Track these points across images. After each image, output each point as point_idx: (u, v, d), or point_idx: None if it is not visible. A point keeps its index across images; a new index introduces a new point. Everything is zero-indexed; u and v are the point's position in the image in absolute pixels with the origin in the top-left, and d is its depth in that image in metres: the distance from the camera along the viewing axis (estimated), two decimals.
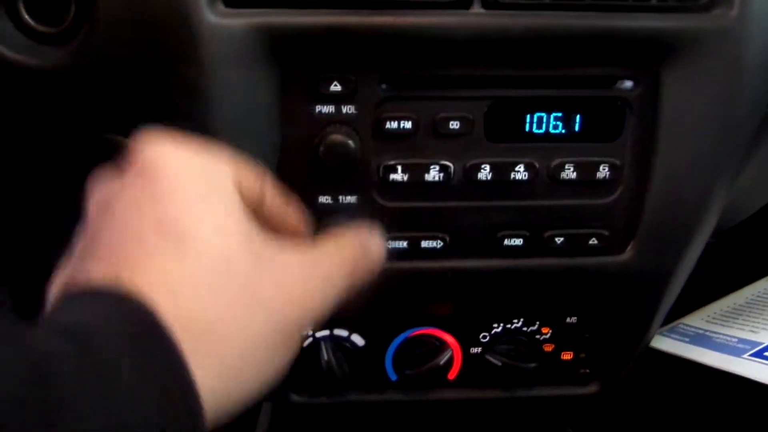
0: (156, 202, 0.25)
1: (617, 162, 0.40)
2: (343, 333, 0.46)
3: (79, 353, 0.21)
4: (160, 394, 0.21)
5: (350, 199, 0.39)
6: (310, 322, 0.28)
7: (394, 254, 0.40)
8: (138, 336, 0.22)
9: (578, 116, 0.39)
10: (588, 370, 0.49)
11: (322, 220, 0.35)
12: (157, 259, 0.24)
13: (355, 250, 0.31)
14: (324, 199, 0.39)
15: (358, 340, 0.46)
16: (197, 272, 0.24)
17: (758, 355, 0.47)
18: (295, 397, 0.48)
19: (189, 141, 0.28)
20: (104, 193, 0.27)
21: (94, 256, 0.25)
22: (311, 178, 0.39)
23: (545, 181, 0.40)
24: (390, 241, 0.40)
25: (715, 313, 0.56)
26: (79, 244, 0.27)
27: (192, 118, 0.35)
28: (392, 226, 0.40)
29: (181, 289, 0.24)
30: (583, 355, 0.48)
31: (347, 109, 0.38)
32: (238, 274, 0.25)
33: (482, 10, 0.36)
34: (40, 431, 0.19)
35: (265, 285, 0.26)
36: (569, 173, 0.40)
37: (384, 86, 0.38)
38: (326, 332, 0.46)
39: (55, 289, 0.27)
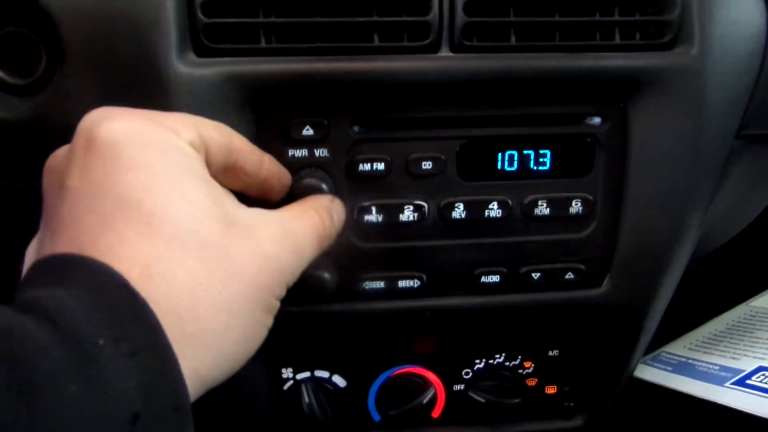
0: (115, 180, 0.24)
1: (589, 197, 0.41)
2: (324, 374, 0.46)
3: (57, 335, 0.20)
4: (141, 373, 0.21)
5: None
6: (283, 288, 0.28)
7: (371, 295, 0.40)
8: (115, 311, 0.21)
9: (549, 153, 0.40)
10: (572, 404, 0.49)
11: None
12: (127, 237, 0.23)
13: (321, 215, 0.32)
14: None
15: (339, 381, 0.46)
16: (169, 248, 0.24)
17: (740, 383, 0.47)
18: None
19: (142, 113, 0.27)
20: (57, 171, 0.27)
21: (56, 230, 0.25)
22: None
23: (519, 217, 0.41)
24: (367, 282, 0.40)
25: (697, 340, 0.56)
26: (42, 223, 0.26)
27: None
28: (369, 266, 0.40)
29: (156, 266, 0.23)
30: (566, 389, 0.48)
31: (320, 152, 0.38)
32: (210, 246, 0.25)
33: (450, 54, 0.37)
34: (16, 407, 0.18)
35: (239, 253, 0.26)
36: (542, 209, 0.40)
37: (356, 129, 0.38)
38: (307, 374, 0.45)
39: (26, 263, 0.26)
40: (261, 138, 0.37)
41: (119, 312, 0.21)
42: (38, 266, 0.24)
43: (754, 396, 0.44)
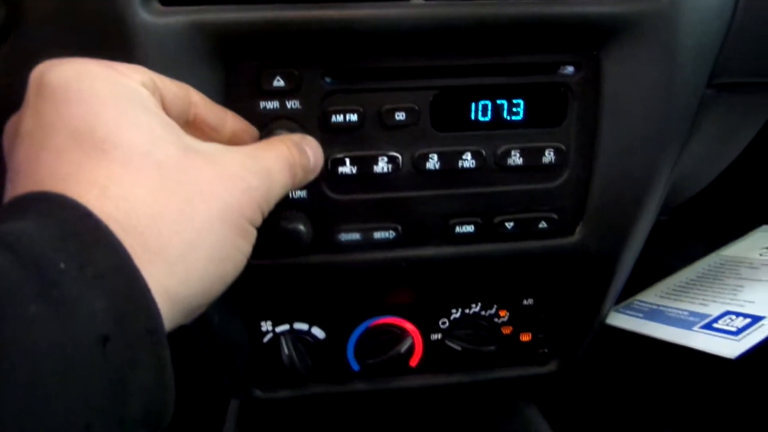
0: (66, 115, 0.24)
1: (562, 146, 0.41)
2: (304, 327, 0.46)
3: (16, 261, 0.20)
4: (108, 295, 0.21)
5: (300, 193, 0.39)
6: (256, 212, 0.28)
7: (347, 246, 0.41)
8: (78, 239, 0.21)
9: (522, 103, 0.40)
10: (546, 350, 0.50)
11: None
12: (83, 165, 0.23)
13: (292, 148, 0.31)
14: None
15: (318, 333, 0.47)
16: (126, 170, 0.24)
17: (707, 327, 0.48)
18: (258, 393, 0.48)
19: (93, 60, 0.26)
20: (13, 124, 0.27)
21: (14, 176, 0.25)
22: None
23: (493, 168, 0.41)
24: (343, 234, 0.40)
25: (668, 288, 0.57)
26: (6, 180, 0.26)
27: None
28: (344, 218, 0.40)
29: (114, 187, 0.23)
30: (540, 336, 0.50)
31: (292, 104, 0.38)
32: (168, 167, 0.25)
33: (422, 2, 0.36)
34: None
35: (201, 175, 0.26)
36: (516, 159, 0.41)
37: (328, 80, 0.38)
38: (286, 327, 0.46)
39: None
40: (231, 90, 0.37)
41: (83, 240, 0.21)
42: (2, 206, 0.24)
43: (720, 338, 0.46)
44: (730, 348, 0.44)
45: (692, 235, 0.73)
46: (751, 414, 0.85)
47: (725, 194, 0.66)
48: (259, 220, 0.28)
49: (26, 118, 0.25)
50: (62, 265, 0.20)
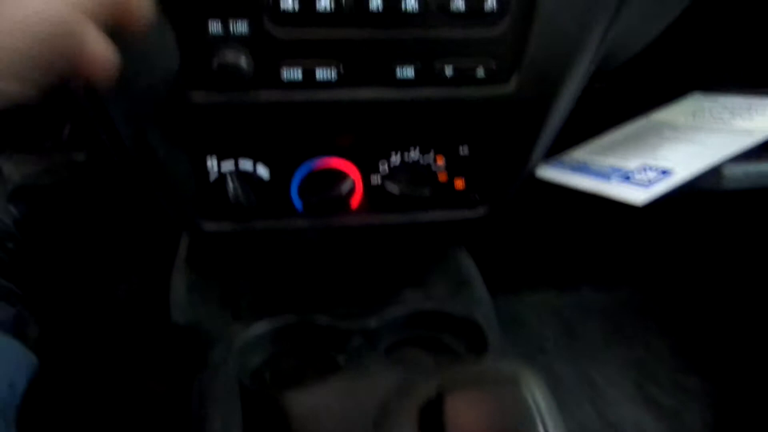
0: None
1: None
2: (248, 165, 0.48)
3: None
4: None
5: (241, 25, 0.39)
6: None
7: (289, 84, 0.42)
8: None
9: None
10: (477, 196, 0.54)
11: None
12: None
13: None
14: (214, 27, 0.39)
15: (263, 172, 0.49)
16: None
17: (625, 178, 0.53)
18: (206, 225, 0.50)
19: None
20: None
21: None
22: (200, 1, 0.38)
23: (435, 12, 0.41)
24: (285, 69, 0.41)
25: (596, 146, 0.61)
26: None
27: None
28: (286, 54, 0.41)
29: None
30: (473, 182, 0.53)
31: None
32: None
33: None
34: None
35: None
36: (458, 4, 0.41)
37: None
38: (231, 165, 0.48)
39: None
40: None
41: None
42: None
43: (634, 188, 0.50)
44: (639, 195, 0.49)
45: (628, 103, 0.77)
46: (657, 256, 0.95)
47: (662, 61, 0.68)
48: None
49: None
50: None
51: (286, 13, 0.39)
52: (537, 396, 0.30)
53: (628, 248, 0.98)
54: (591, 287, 0.99)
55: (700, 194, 0.53)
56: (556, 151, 0.59)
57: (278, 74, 0.41)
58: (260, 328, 0.52)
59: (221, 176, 0.48)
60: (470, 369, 0.41)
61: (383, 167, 0.50)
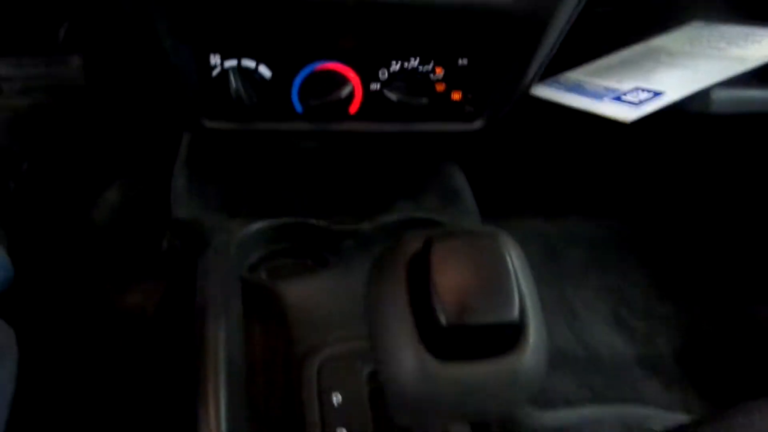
0: None
1: None
2: (251, 63, 0.49)
3: None
4: None
5: None
6: None
7: None
8: None
9: None
10: (473, 109, 0.55)
11: None
12: None
13: None
14: None
15: (265, 71, 0.50)
16: None
17: (617, 98, 0.54)
18: (208, 123, 0.52)
19: None
20: None
21: None
22: None
23: None
24: None
25: (592, 68, 0.62)
26: None
27: None
28: None
29: None
30: (470, 96, 0.54)
31: None
32: None
33: None
34: None
35: None
36: None
37: None
38: (234, 62, 0.49)
39: None
40: None
41: None
42: None
43: (625, 106, 0.52)
44: (628, 114, 0.51)
45: (631, 29, 0.77)
46: (645, 191, 0.98)
47: None
48: None
49: None
50: None
51: None
52: (511, 250, 0.33)
53: (617, 183, 1.01)
54: (579, 217, 1.02)
55: (690, 122, 0.55)
56: (556, 73, 0.60)
57: None
58: (259, 224, 0.54)
59: (223, 71, 0.49)
60: (455, 227, 0.43)
61: (383, 74, 0.51)
